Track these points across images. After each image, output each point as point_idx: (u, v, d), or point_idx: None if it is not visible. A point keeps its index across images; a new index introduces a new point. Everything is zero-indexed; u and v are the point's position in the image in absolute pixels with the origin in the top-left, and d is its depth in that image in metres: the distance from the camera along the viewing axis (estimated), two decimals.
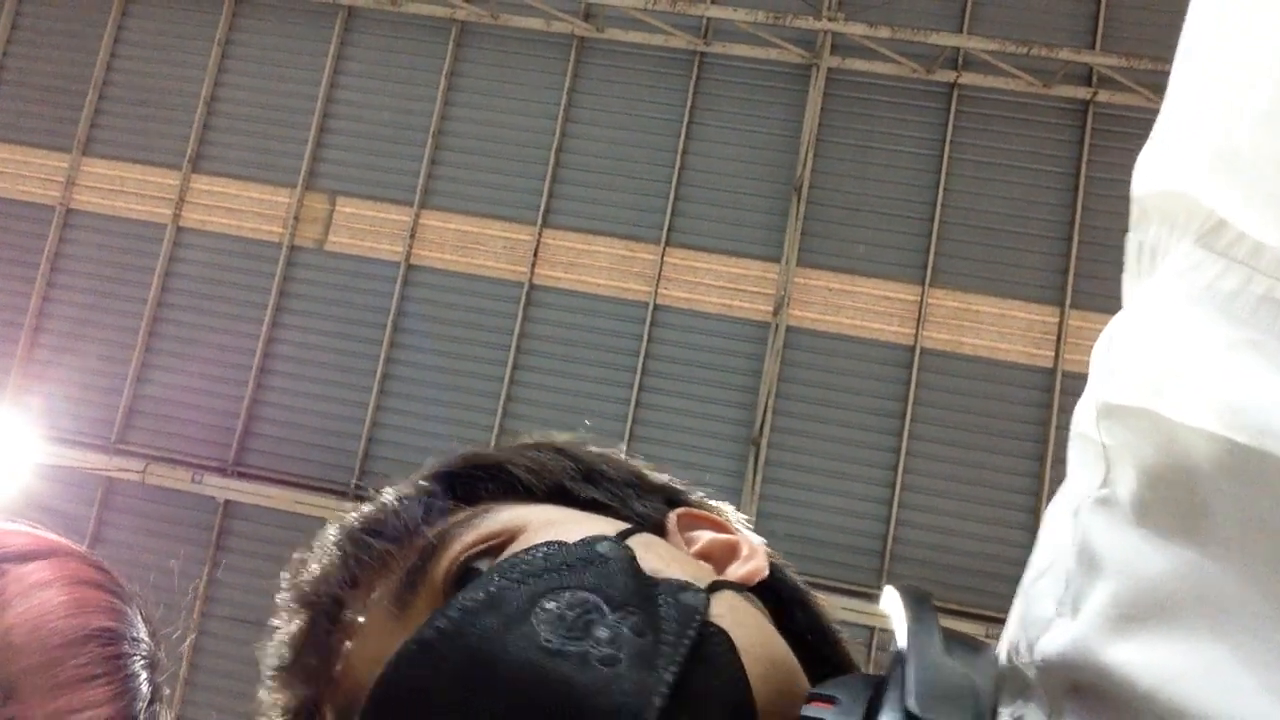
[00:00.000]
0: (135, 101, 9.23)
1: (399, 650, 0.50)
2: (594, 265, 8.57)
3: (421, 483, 0.67)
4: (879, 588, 7.89)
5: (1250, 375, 0.33)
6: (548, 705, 0.46)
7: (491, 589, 0.53)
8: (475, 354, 8.54)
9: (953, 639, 0.51)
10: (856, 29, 8.28)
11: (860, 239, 8.38)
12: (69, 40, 9.37)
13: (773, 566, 0.65)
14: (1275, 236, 0.34)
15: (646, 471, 0.72)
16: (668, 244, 8.48)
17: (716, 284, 8.47)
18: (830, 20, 8.33)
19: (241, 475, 8.52)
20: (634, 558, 0.56)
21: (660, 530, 0.65)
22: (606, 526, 0.61)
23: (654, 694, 0.46)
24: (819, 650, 0.63)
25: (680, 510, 0.68)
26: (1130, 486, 0.38)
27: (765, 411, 8.10)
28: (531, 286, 8.54)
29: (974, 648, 0.50)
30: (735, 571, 0.62)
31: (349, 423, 8.51)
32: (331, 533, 0.66)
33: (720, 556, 0.64)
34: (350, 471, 8.48)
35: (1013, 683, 0.45)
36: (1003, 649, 0.47)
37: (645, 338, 8.37)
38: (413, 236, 8.68)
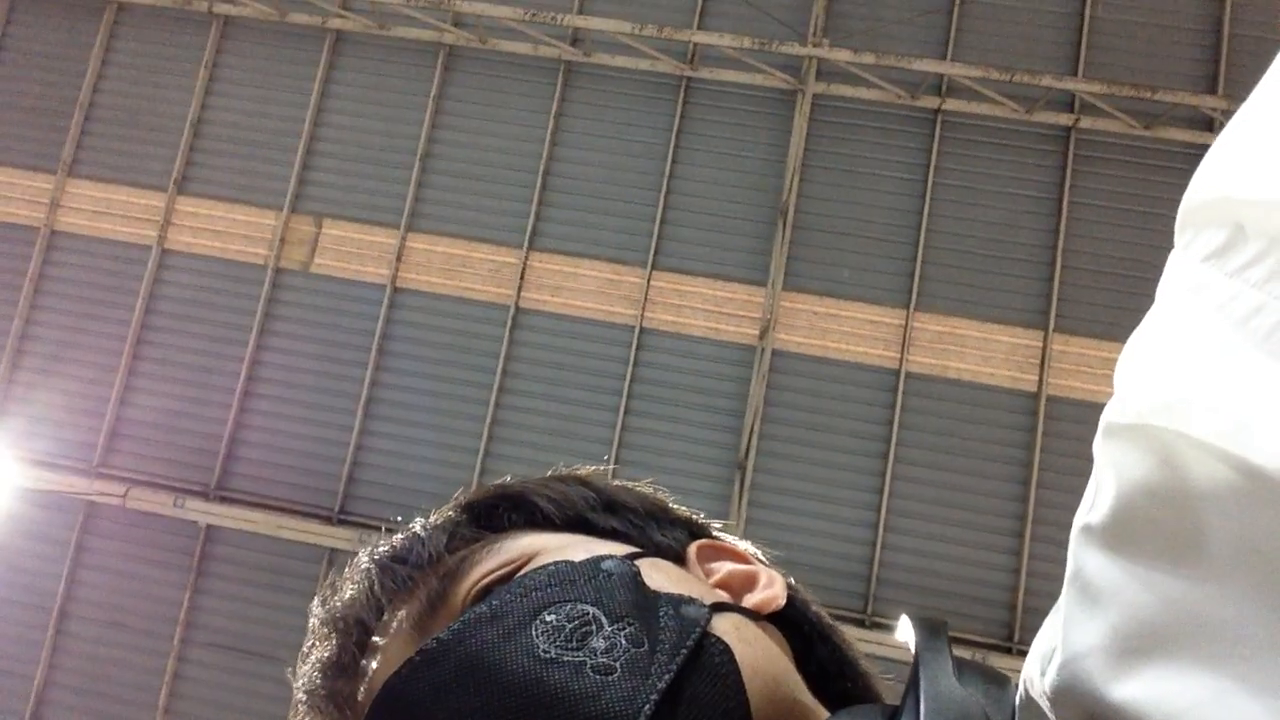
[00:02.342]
0: (121, 123, 9.21)
1: (404, 661, 0.52)
2: (580, 288, 8.58)
3: (449, 513, 0.69)
4: (864, 612, 7.88)
5: (1266, 392, 0.33)
6: (542, 711, 0.47)
7: (495, 604, 0.55)
8: (461, 377, 8.52)
9: (967, 668, 0.51)
10: (841, 55, 8.35)
11: (845, 263, 8.42)
12: (55, 62, 9.36)
13: (794, 600, 0.66)
14: None
15: (671, 505, 0.73)
16: (654, 267, 8.50)
17: (702, 307, 8.48)
18: (816, 46, 8.40)
19: (224, 499, 8.46)
20: (638, 574, 0.57)
21: (680, 559, 0.67)
22: (619, 550, 0.63)
23: (646, 700, 0.47)
24: (842, 684, 0.64)
25: (702, 542, 0.69)
26: (1126, 509, 0.38)
27: (751, 435, 8.10)
28: (518, 310, 8.54)
29: (991, 678, 0.51)
30: (750, 599, 0.63)
31: (333, 446, 8.47)
32: (362, 559, 0.69)
33: (738, 586, 0.65)
34: (334, 496, 8.43)
35: (1029, 714, 0.45)
36: (1022, 680, 0.47)
37: (631, 361, 8.37)
38: (399, 259, 8.67)
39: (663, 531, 0.69)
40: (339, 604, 0.66)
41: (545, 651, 0.50)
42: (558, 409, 8.41)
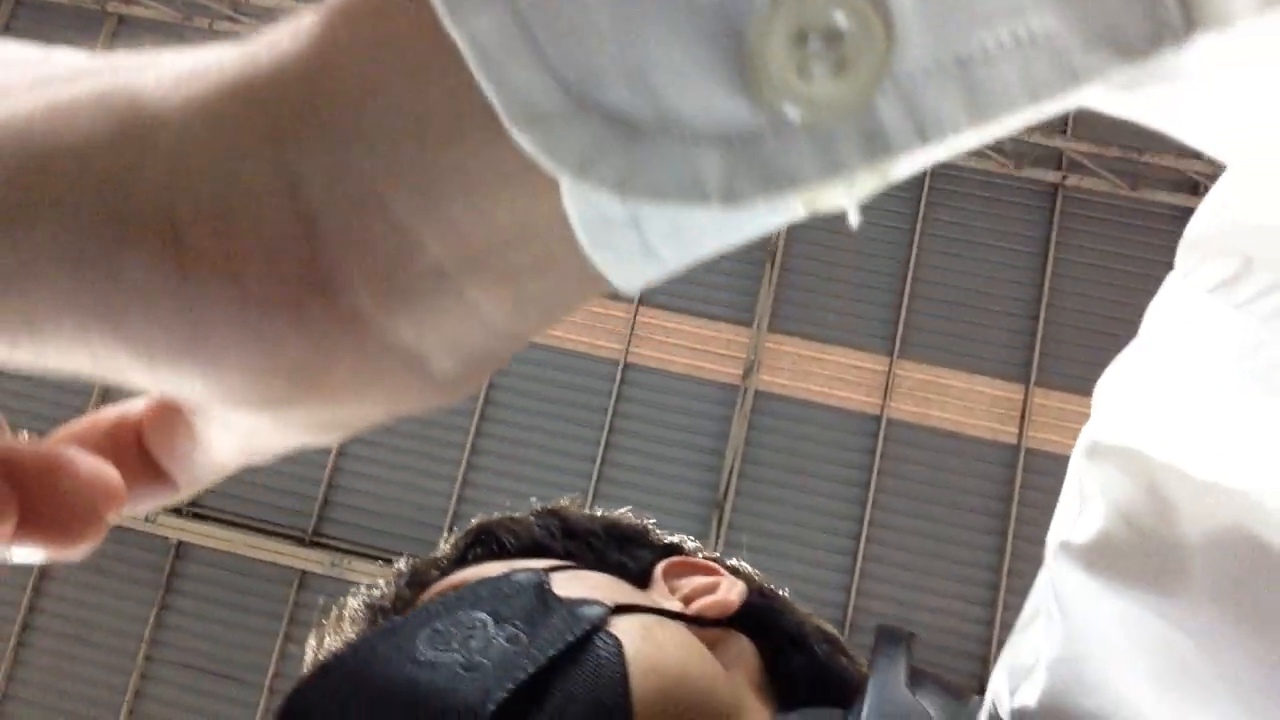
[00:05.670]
0: None
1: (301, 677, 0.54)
2: (566, 321, 8.56)
3: (433, 555, 0.72)
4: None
5: (1262, 430, 0.32)
6: (409, 711, 0.48)
7: (397, 619, 0.56)
8: (444, 408, 8.48)
9: (924, 678, 0.51)
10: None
11: (831, 308, 8.46)
12: None
13: (758, 608, 0.66)
14: None
15: (647, 528, 0.74)
16: (641, 302, 8.52)
17: (687, 345, 8.50)
18: None
19: (197, 516, 8.37)
20: (544, 583, 0.57)
21: (643, 578, 0.67)
22: (544, 565, 0.62)
23: (501, 689, 0.47)
24: (823, 692, 0.64)
25: (670, 560, 0.69)
26: (1111, 532, 0.37)
27: (730, 474, 8.09)
28: None
29: (949, 690, 0.50)
30: (694, 605, 0.62)
31: (310, 467, 8.41)
32: (351, 600, 0.71)
33: (698, 597, 0.65)
34: (308, 518, 8.36)
35: None
36: (989, 696, 0.46)
37: (614, 395, 8.37)
38: None
39: (625, 553, 0.69)
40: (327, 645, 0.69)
41: (421, 655, 0.50)
42: (539, 439, 8.39)
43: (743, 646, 0.61)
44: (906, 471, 8.13)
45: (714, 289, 8.58)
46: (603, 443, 8.33)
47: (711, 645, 0.59)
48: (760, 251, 8.53)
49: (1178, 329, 0.38)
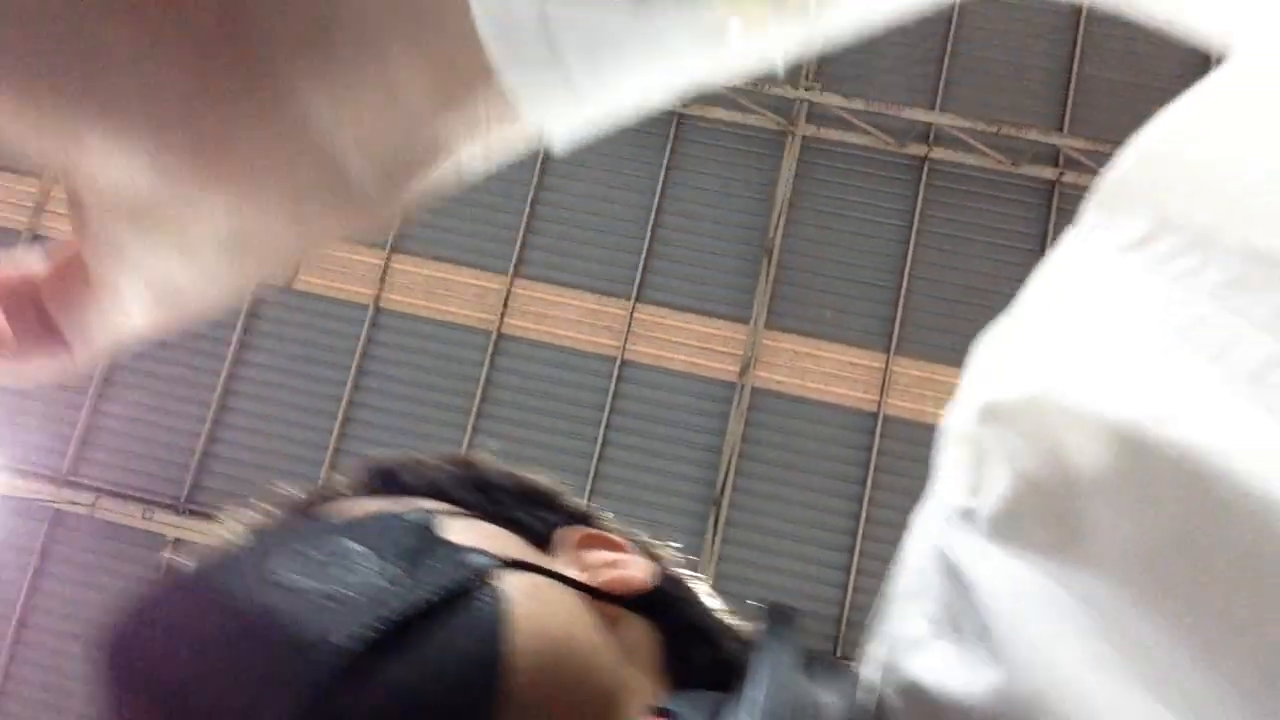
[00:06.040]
0: None
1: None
2: (564, 317, 8.58)
3: (346, 475, 0.67)
4: (834, 654, 7.84)
5: (1176, 384, 0.31)
6: (244, 633, 0.43)
7: (267, 537, 0.52)
8: (439, 401, 8.48)
9: (815, 660, 0.48)
10: (832, 100, 8.44)
11: (828, 304, 8.46)
12: None
13: (676, 599, 0.61)
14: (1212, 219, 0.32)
15: (562, 493, 0.68)
16: (638, 300, 8.51)
17: (684, 342, 8.50)
18: (807, 90, 8.49)
19: (194, 514, 8.36)
20: (430, 524, 0.52)
21: (544, 540, 0.61)
22: (436, 506, 0.58)
23: (358, 626, 0.42)
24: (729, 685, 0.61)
25: (583, 530, 0.64)
26: (1003, 496, 0.35)
27: (727, 472, 8.09)
28: (500, 336, 8.53)
29: (840, 672, 0.47)
30: (597, 578, 0.57)
31: (307, 466, 8.39)
32: (229, 524, 0.66)
33: (603, 571, 0.60)
34: None
35: (874, 707, 0.42)
36: (868, 671, 0.43)
37: (611, 392, 8.36)
38: (383, 280, 8.65)
39: (531, 512, 0.63)
40: None
41: (278, 576, 0.45)
42: (536, 437, 8.38)
43: (643, 629, 0.57)
44: (903, 468, 8.13)
45: (710, 285, 8.57)
46: (599, 439, 8.33)
47: (610, 622, 0.54)
48: (757, 248, 8.53)
49: (1085, 288, 0.37)
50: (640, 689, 0.52)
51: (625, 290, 8.54)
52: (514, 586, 0.48)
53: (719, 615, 0.63)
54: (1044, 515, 0.34)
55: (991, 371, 0.39)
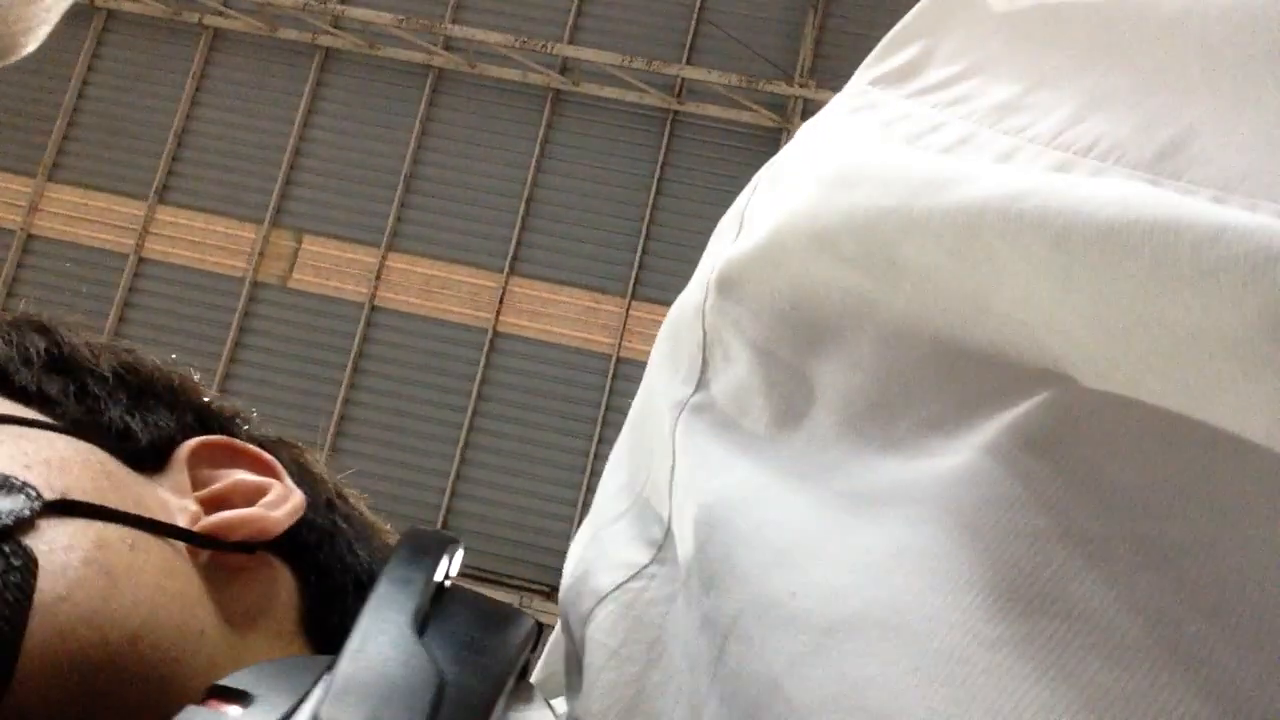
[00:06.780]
0: (105, 130, 9.17)
1: None
2: (559, 315, 8.58)
3: None
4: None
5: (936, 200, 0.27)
6: None
7: None
8: (435, 399, 8.48)
9: (457, 604, 0.36)
10: (827, 97, 8.40)
11: None
12: (42, 65, 9.31)
13: (328, 538, 0.45)
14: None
15: (190, 385, 0.50)
16: (634, 298, 8.51)
17: None
18: (802, 87, 8.49)
19: None
20: None
21: (157, 457, 0.44)
22: None
23: None
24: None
25: (209, 439, 0.46)
26: (735, 379, 0.31)
27: None
28: (495, 334, 8.52)
29: (492, 620, 0.35)
30: (214, 519, 0.41)
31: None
32: None
33: (237, 503, 0.43)
34: None
35: (570, 661, 0.35)
36: (566, 607, 0.37)
37: (607, 390, 8.36)
38: (378, 278, 8.64)
39: (137, 412, 0.44)
40: None
41: None
42: (531, 434, 8.39)
43: (280, 582, 0.42)
44: None
45: None
46: (596, 437, 8.32)
47: (228, 576, 0.40)
48: None
49: (829, 135, 0.33)
50: (257, 658, 0.37)
51: (620, 288, 8.54)
52: (62, 544, 0.33)
53: (382, 548, 0.48)
54: (776, 392, 0.30)
55: (730, 236, 0.34)
